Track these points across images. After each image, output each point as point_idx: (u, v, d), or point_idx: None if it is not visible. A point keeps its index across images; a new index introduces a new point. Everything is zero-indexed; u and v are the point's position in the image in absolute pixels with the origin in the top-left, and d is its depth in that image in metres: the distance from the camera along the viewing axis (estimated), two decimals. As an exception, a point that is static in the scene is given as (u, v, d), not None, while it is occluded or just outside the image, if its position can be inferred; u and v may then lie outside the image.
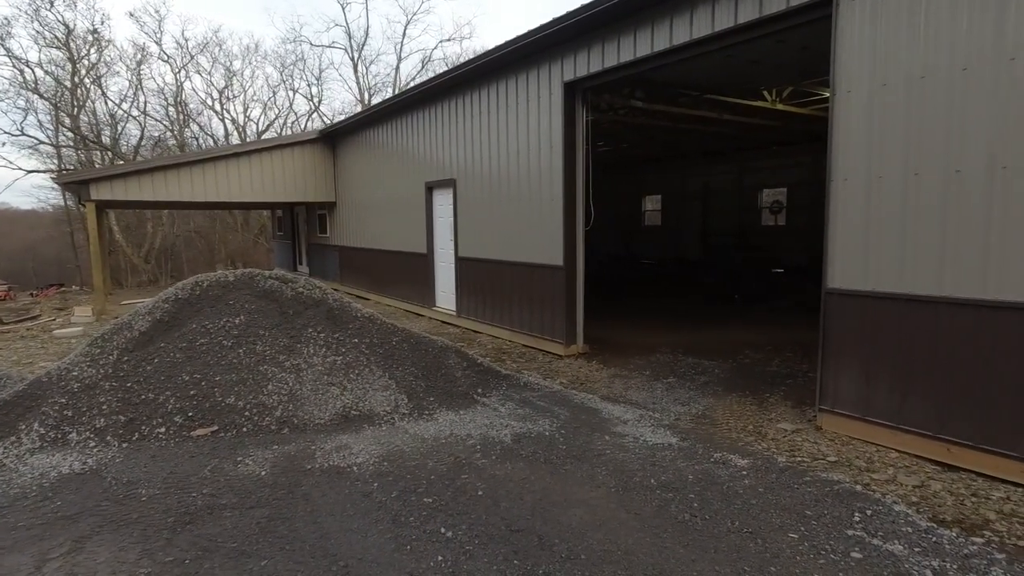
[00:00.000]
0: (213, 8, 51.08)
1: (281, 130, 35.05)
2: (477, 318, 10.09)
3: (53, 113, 27.70)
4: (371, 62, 60.10)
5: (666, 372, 7.14)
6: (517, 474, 4.26)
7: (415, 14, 61.65)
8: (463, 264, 10.44)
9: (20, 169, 32.71)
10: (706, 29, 5.88)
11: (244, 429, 5.02)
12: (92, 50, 28.02)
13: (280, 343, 5.89)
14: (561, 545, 3.29)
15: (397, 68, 46.03)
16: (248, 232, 37.91)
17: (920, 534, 3.36)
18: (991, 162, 4.01)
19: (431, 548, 3.29)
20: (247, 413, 5.15)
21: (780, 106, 11.86)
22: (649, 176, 22.56)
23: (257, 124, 37.78)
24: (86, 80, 28.40)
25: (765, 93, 11.38)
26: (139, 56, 32.37)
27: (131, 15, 46.17)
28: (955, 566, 3.06)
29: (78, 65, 27.63)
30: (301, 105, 46.04)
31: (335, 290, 15.84)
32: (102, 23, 41.17)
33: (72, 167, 28.06)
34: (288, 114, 37.35)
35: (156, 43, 43.94)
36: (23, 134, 27.53)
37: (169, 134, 32.88)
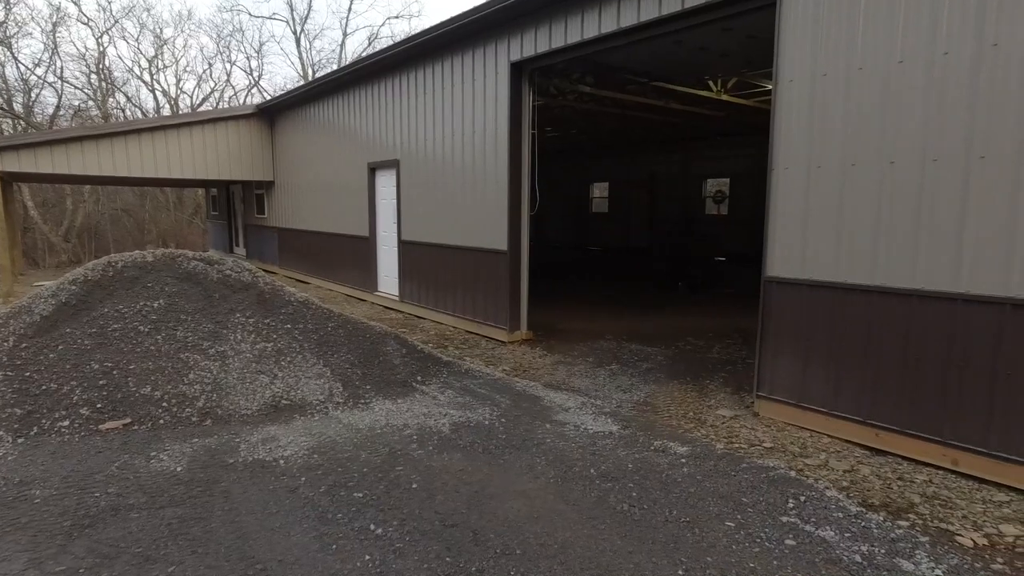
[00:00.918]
0: (142, -30, 47.80)
1: (217, 104, 33.30)
2: (420, 303, 9.83)
3: (-44, 76, 25.31)
4: (315, 37, 57.97)
5: (609, 359, 7.13)
6: (454, 465, 4.11)
7: (362, -12, 59.56)
8: (406, 248, 10.14)
9: (-81, 137, 29.82)
10: (653, 12, 5.79)
11: (161, 421, 4.66)
12: None
13: (204, 329, 5.50)
14: (496, 540, 3.16)
15: (343, 44, 44.45)
16: (182, 211, 36.01)
17: (850, 519, 3.41)
18: (922, 155, 4.09)
19: (359, 547, 3.10)
20: (165, 404, 4.78)
21: (725, 96, 12.02)
22: (597, 163, 22.65)
23: (191, 97, 35.79)
24: (-6, 41, 26.05)
25: (711, 83, 11.52)
26: (55, 17, 29.93)
27: (47, -28, 42.61)
28: (883, 550, 3.11)
29: (-16, 24, 25.31)
30: (240, 79, 43.97)
31: (273, 273, 15.14)
32: (12, -21, 37.82)
33: (-22, 136, 25.77)
34: (225, 88, 35.53)
35: (75, 3, 40.79)
36: (-79, 98, 25.07)
37: (92, 103, 30.69)
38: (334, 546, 3.11)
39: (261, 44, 58.03)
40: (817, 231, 4.68)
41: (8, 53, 27.31)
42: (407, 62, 9.59)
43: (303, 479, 3.85)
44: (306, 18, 48.43)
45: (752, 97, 12.73)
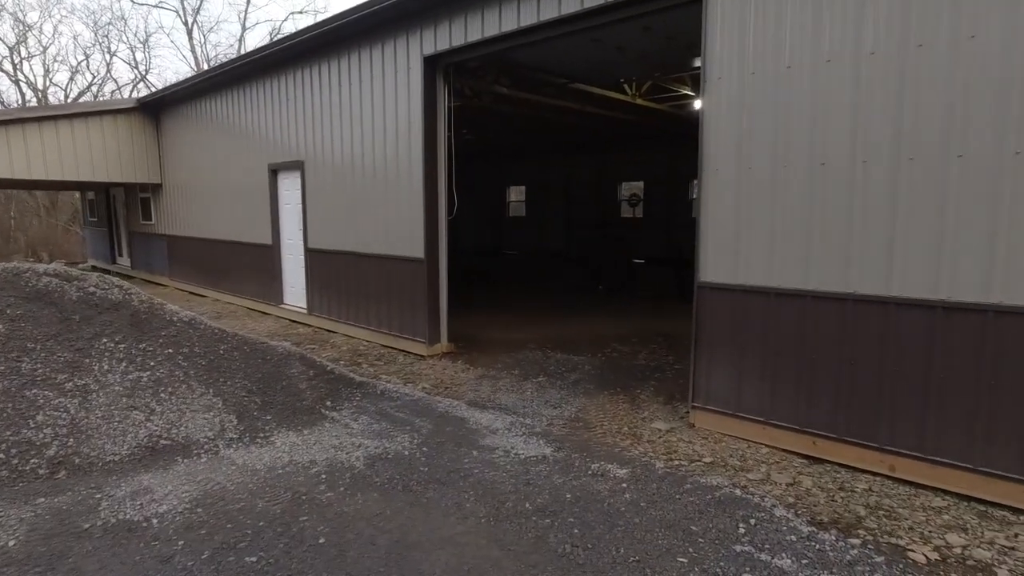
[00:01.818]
0: (4, -50, 42.62)
1: (97, 98, 30.18)
2: (331, 316, 9.06)
3: None
4: (210, 30, 54.18)
5: (536, 370, 6.76)
6: (370, 508, 3.55)
7: (261, -20, 56.53)
8: (314, 257, 9.33)
9: None
10: (575, 6, 5.48)
11: (-3, 477, 3.75)
12: None
13: (60, 359, 4.58)
14: (422, 606, 2.66)
15: (241, 39, 41.67)
16: (56, 216, 32.37)
17: (804, 541, 3.19)
18: (852, 155, 4.01)
19: (249, 633, 2.50)
20: (2, 455, 3.87)
21: (640, 101, 12.12)
22: (514, 167, 22.48)
23: (66, 91, 32.16)
24: None
25: (626, 87, 11.54)
26: None
27: None
28: (842, 577, 2.90)
29: None
30: (124, 73, 40.22)
31: (163, 287, 13.66)
32: None
33: None
34: (105, 81, 32.38)
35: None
36: None
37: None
38: (217, 635, 2.48)
39: (148, 35, 53.64)
40: (750, 234, 4.52)
41: None
42: (312, 54, 8.81)
43: (181, 543, 3.15)
44: (199, 8, 45.06)
45: (665, 102, 12.95)
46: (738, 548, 3.13)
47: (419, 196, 7.22)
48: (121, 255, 17.68)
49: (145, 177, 13.80)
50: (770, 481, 4.01)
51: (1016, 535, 3.28)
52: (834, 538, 3.24)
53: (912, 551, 3.14)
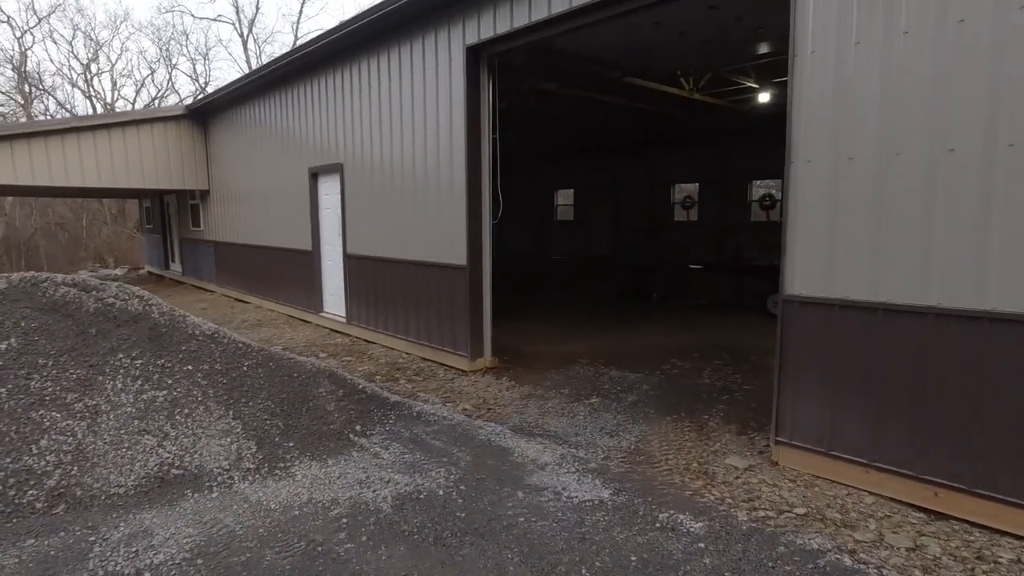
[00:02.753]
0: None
1: (158, 111, 31.21)
2: (370, 326, 8.64)
3: None
4: (264, 41, 55.64)
5: (588, 390, 6.10)
6: (394, 568, 2.98)
7: (310, -9, 57.69)
8: (353, 263, 8.94)
9: None
10: (636, -21, 4.83)
11: (-9, 512, 3.39)
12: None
13: (71, 376, 4.23)
14: None
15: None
16: (124, 224, 33.69)
17: (949, 641, 2.44)
18: (993, 138, 3.20)
19: None
20: (-2, 486, 3.51)
21: (697, 96, 11.30)
22: (561, 170, 21.84)
23: (133, 105, 33.48)
24: None
25: (683, 81, 10.76)
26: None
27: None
28: None
29: None
30: (186, 86, 41.73)
31: (210, 292, 13.65)
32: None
33: None
34: (169, 94, 33.50)
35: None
36: None
37: (19, 108, 28.31)
38: None
39: (208, 48, 55.76)
40: (849, 238, 3.75)
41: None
42: (351, 51, 8.44)
43: (171, 607, 2.66)
44: (253, 20, 46.21)
45: (724, 96, 12.07)
46: (862, 648, 2.41)
47: (461, 198, 6.68)
48: (174, 261, 17.96)
49: (194, 184, 13.84)
50: (884, 544, 3.23)
51: None
52: (990, 637, 2.47)
53: (1105, 663, 2.34)
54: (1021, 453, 3.21)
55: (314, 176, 9.86)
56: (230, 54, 54.51)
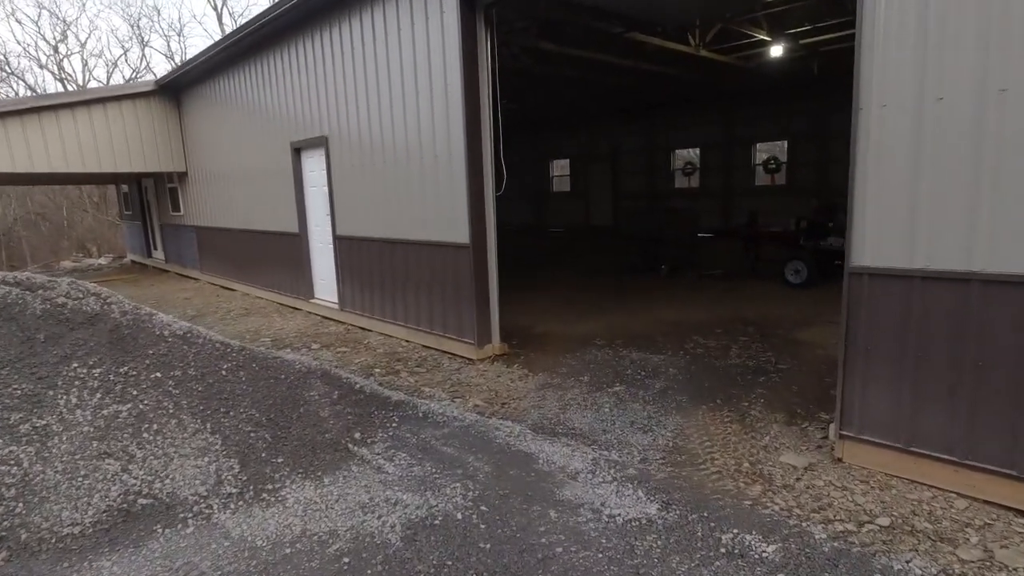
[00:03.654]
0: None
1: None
2: (365, 312, 8.00)
3: None
4: (240, 15, 53.50)
5: (609, 376, 5.52)
6: (411, 623, 2.41)
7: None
8: (344, 245, 8.27)
9: None
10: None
11: (-85, 566, 2.79)
12: None
13: (16, 392, 3.60)
14: None
15: (272, 23, 40.91)
16: (105, 211, 32.63)
17: None
18: None
19: None
20: (-77, 535, 2.90)
21: (704, 52, 10.53)
22: (557, 138, 21.04)
23: (107, 86, 32.05)
24: None
25: (689, 37, 10.00)
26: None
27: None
28: None
29: None
30: (161, 64, 40.10)
31: (194, 280, 12.93)
32: None
33: None
34: (144, 73, 32.06)
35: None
36: None
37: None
38: None
39: (182, 25, 53.71)
40: (937, 198, 3.13)
41: None
42: (328, 10, 7.62)
43: None
44: (228, -8, 44.39)
45: (732, 52, 11.32)
46: None
47: (461, 169, 5.99)
48: (156, 248, 17.16)
49: (170, 166, 13.01)
50: (996, 563, 2.68)
51: None
52: None
53: None
54: None
55: (297, 152, 9.10)
56: (205, 30, 52.46)
